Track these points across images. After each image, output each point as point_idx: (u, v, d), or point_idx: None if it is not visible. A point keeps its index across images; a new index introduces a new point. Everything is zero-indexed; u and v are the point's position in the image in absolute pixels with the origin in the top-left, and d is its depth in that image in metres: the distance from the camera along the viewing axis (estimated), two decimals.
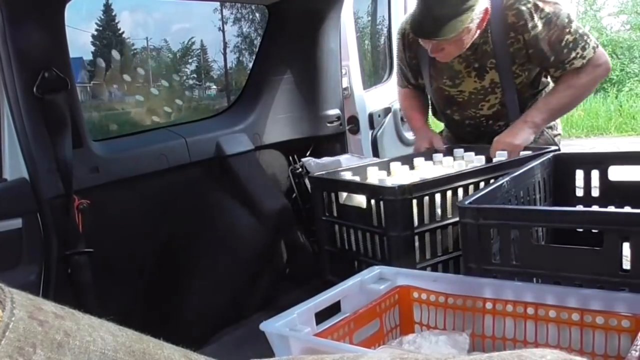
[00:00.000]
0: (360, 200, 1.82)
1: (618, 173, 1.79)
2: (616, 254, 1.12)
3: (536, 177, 1.68)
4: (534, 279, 1.22)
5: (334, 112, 3.06)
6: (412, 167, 2.16)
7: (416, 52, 2.59)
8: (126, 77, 3.87)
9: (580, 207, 1.74)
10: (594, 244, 1.16)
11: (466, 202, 1.28)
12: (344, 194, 1.89)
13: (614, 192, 1.77)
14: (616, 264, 1.12)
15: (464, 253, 1.31)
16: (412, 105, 2.83)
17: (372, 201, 1.74)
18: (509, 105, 2.49)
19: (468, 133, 2.66)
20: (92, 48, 4.15)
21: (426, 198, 1.69)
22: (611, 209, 1.66)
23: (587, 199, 1.80)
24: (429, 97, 2.79)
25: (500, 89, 2.46)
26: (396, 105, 3.83)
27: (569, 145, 9.31)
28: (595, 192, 1.80)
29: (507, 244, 1.24)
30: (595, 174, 1.79)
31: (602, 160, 1.79)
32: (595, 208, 1.72)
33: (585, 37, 2.32)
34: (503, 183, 1.45)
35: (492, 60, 2.41)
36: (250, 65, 3.13)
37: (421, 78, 2.69)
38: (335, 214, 1.94)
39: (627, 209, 1.38)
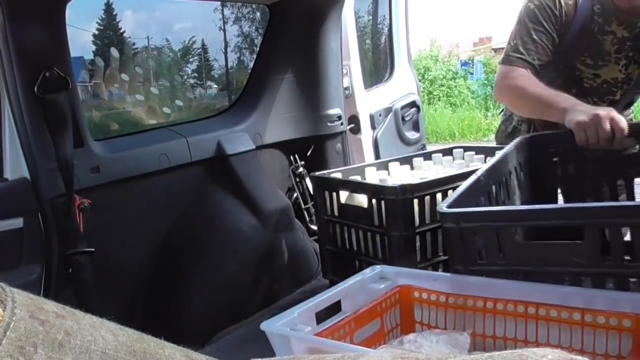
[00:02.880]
0: (361, 200, 1.82)
1: None
2: (596, 246, 1.13)
3: (511, 164, 1.68)
4: (521, 277, 1.22)
5: (335, 111, 3.06)
6: (412, 167, 2.16)
7: (571, 17, 2.19)
8: (127, 77, 3.87)
9: (561, 203, 1.78)
10: (576, 236, 1.17)
11: (445, 206, 1.28)
12: (346, 194, 1.89)
13: (588, 166, 1.81)
14: (597, 255, 1.13)
15: (450, 256, 1.32)
16: (542, 85, 2.15)
17: (374, 201, 1.75)
18: (620, 105, 2.31)
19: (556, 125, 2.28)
20: (93, 47, 4.15)
21: (427, 198, 1.69)
22: (588, 203, 1.68)
23: (565, 177, 1.84)
24: None
25: (627, 86, 2.29)
26: (397, 105, 3.83)
27: None
28: (572, 171, 1.85)
29: (491, 244, 1.24)
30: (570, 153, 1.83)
31: (574, 139, 1.78)
32: (574, 206, 1.74)
33: None
34: (479, 177, 1.45)
35: (630, 54, 2.22)
36: (251, 64, 3.13)
37: (550, 54, 2.22)
38: (336, 213, 1.94)
39: (602, 203, 1.38)
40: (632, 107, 2.50)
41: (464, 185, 1.42)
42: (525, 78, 2.14)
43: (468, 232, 1.24)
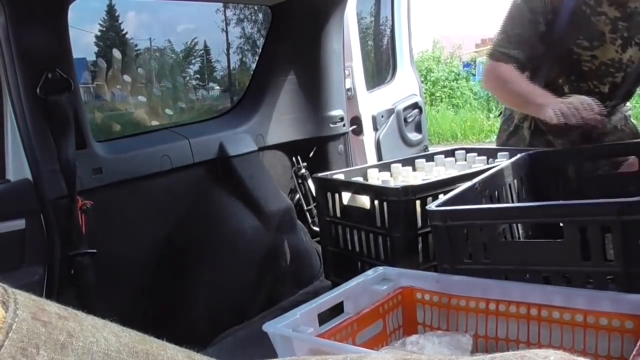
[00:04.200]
0: (364, 201, 1.82)
1: None
2: (576, 245, 1.14)
3: (510, 178, 1.71)
4: (504, 275, 1.24)
5: (337, 113, 3.06)
6: (414, 169, 2.16)
7: (559, 3, 2.26)
8: (129, 78, 3.87)
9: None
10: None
11: (434, 205, 1.31)
12: (348, 195, 1.89)
13: (590, 185, 1.84)
14: (577, 254, 1.15)
15: (438, 254, 1.33)
16: (525, 81, 2.27)
17: (376, 202, 1.75)
18: (623, 88, 2.36)
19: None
20: (95, 49, 4.15)
21: (429, 199, 1.69)
22: (569, 201, 1.72)
23: (566, 193, 1.85)
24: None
25: (630, 69, 2.32)
26: (399, 106, 3.82)
27: None
28: (572, 186, 1.87)
29: (476, 242, 1.26)
30: (571, 169, 1.86)
31: (575, 156, 1.86)
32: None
33: None
34: (475, 184, 1.47)
35: (625, 35, 2.27)
36: (254, 66, 3.13)
37: (539, 44, 2.29)
38: (338, 214, 1.94)
39: (582, 201, 1.40)
40: (629, 103, 2.55)
41: (458, 189, 1.44)
42: (508, 72, 2.25)
43: (454, 230, 1.27)
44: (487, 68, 2.42)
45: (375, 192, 1.76)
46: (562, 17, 2.26)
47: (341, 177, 2.02)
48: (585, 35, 2.26)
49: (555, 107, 1.99)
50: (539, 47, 2.29)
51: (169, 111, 4.00)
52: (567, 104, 1.99)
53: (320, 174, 2.05)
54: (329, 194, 1.96)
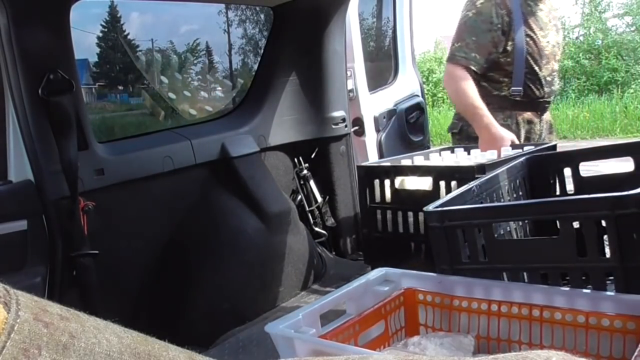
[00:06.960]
0: (418, 183, 1.86)
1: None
2: (571, 241, 1.15)
3: (507, 181, 1.73)
4: (502, 274, 1.25)
5: (339, 114, 3.06)
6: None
7: (510, 6, 2.78)
8: (131, 79, 3.88)
9: None
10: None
11: (432, 207, 1.31)
12: (399, 180, 1.94)
13: (587, 186, 1.83)
14: (573, 249, 1.15)
15: (435, 255, 1.34)
16: (478, 96, 2.72)
17: (442, 182, 1.84)
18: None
19: (544, 92, 2.92)
20: (97, 50, 4.16)
21: None
22: (566, 197, 1.76)
23: (563, 196, 1.87)
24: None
25: (560, 50, 2.98)
26: (401, 107, 3.83)
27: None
28: (570, 189, 1.88)
29: (473, 242, 1.26)
30: (567, 172, 1.87)
31: (572, 158, 1.87)
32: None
33: None
34: (472, 187, 1.49)
35: (556, 23, 2.97)
36: (256, 67, 3.13)
37: (504, 44, 2.80)
38: (388, 200, 1.98)
39: (576, 196, 1.42)
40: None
41: (455, 192, 1.46)
42: (463, 83, 2.73)
43: (452, 230, 1.27)
44: (447, 70, 2.89)
45: (445, 172, 1.82)
46: (518, 16, 2.78)
47: (396, 163, 2.11)
48: (538, 26, 2.83)
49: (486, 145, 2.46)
50: (494, 50, 2.77)
51: (171, 111, 4.01)
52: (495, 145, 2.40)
53: (365, 163, 2.10)
54: (376, 181, 1.99)
